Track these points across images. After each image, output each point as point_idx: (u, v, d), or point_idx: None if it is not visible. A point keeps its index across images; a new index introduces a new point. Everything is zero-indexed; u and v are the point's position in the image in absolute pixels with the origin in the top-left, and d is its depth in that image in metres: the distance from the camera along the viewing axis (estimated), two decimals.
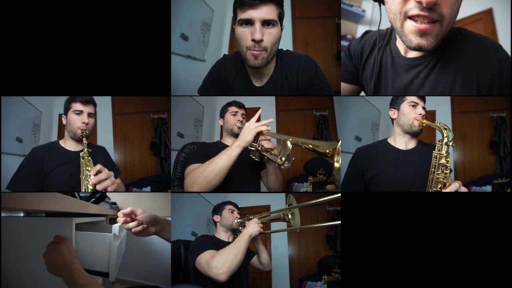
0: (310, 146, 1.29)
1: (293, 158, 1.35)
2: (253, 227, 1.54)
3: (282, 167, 1.37)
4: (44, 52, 1.47)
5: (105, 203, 1.89)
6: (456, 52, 1.28)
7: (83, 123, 1.55)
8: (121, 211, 1.25)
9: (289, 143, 1.32)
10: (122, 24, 1.48)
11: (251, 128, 1.38)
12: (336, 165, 1.17)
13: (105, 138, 2.27)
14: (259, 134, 1.41)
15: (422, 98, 1.48)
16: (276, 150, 1.42)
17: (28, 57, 1.47)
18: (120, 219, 1.25)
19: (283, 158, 1.34)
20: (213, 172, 1.38)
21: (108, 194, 1.91)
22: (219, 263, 1.38)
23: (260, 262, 1.74)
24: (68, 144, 1.61)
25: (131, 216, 1.25)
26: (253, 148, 1.42)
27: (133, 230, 1.25)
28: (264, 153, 1.44)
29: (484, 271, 1.41)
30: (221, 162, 1.38)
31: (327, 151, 1.21)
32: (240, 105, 1.68)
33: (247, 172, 1.60)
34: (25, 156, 1.56)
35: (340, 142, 1.18)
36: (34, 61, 1.47)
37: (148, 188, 2.13)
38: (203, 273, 1.43)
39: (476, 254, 1.42)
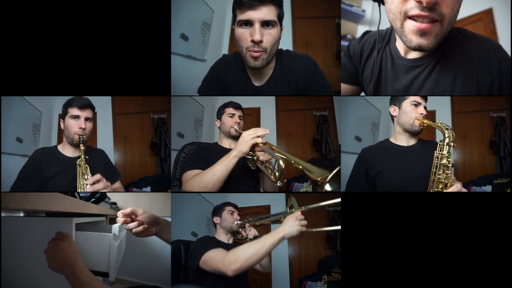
0: (300, 167, 1.33)
1: (285, 180, 1.36)
2: (291, 225, 1.25)
3: (275, 185, 1.39)
4: (44, 52, 1.47)
5: (105, 203, 1.89)
6: (456, 53, 1.28)
7: (80, 128, 1.53)
8: (121, 211, 1.24)
9: (281, 163, 1.33)
10: (122, 24, 1.48)
11: (247, 140, 1.42)
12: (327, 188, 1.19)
13: (105, 138, 2.27)
14: (255, 144, 1.43)
15: (424, 98, 1.48)
16: (271, 164, 1.44)
17: (28, 57, 1.47)
18: (120, 219, 1.24)
19: (277, 174, 1.36)
20: (211, 182, 1.43)
21: (108, 194, 1.91)
22: (233, 257, 1.28)
23: (260, 264, 1.72)
24: (67, 150, 1.59)
25: (131, 217, 1.25)
26: (250, 157, 1.46)
27: (133, 230, 1.25)
28: (259, 165, 1.47)
29: (484, 271, 1.41)
30: (219, 173, 1.42)
31: (318, 179, 1.25)
32: (237, 106, 1.67)
33: (245, 173, 1.60)
34: (25, 156, 1.56)
35: (331, 174, 1.21)
36: (34, 61, 1.47)
37: (148, 188, 2.13)
38: (209, 270, 1.38)
39: (476, 254, 1.42)
